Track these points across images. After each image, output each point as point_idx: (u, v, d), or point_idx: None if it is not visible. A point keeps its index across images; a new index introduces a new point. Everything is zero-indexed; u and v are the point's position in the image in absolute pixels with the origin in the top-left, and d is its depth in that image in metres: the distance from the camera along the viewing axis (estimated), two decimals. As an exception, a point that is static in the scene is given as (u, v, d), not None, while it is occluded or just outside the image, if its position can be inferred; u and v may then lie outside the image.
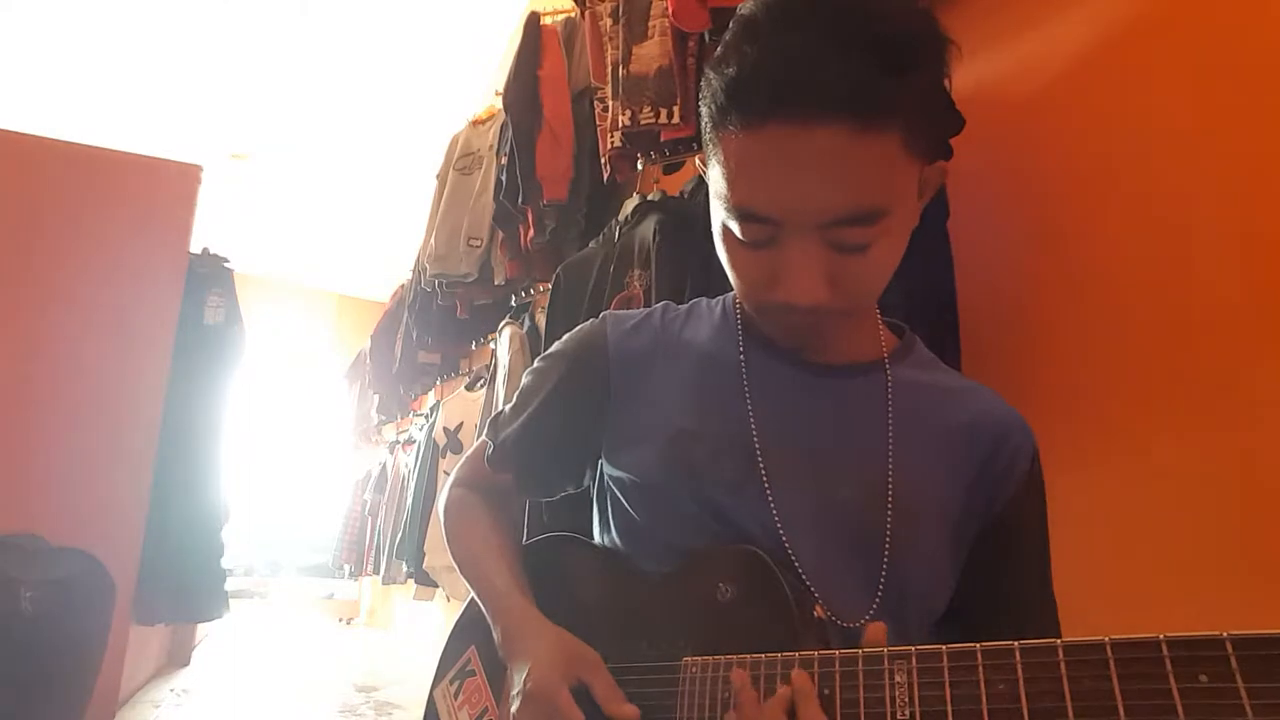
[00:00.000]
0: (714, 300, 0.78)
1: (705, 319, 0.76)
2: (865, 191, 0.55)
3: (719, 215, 0.62)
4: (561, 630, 0.67)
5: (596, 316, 0.79)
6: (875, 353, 0.71)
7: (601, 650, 0.66)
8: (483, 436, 0.84)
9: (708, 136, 0.61)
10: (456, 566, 0.80)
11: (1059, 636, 0.65)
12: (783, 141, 0.54)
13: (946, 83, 0.58)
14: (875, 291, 0.63)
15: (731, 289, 0.78)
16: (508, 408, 0.81)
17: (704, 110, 0.60)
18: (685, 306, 0.79)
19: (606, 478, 0.75)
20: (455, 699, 0.80)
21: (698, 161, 0.71)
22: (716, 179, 0.60)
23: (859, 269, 0.59)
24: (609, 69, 1.74)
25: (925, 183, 0.62)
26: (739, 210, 0.58)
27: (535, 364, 0.81)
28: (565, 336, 0.80)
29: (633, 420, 0.71)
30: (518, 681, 0.65)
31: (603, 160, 1.77)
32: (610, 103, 1.69)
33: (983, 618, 0.66)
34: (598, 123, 1.88)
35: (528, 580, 0.76)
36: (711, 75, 0.58)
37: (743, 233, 0.59)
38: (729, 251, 0.63)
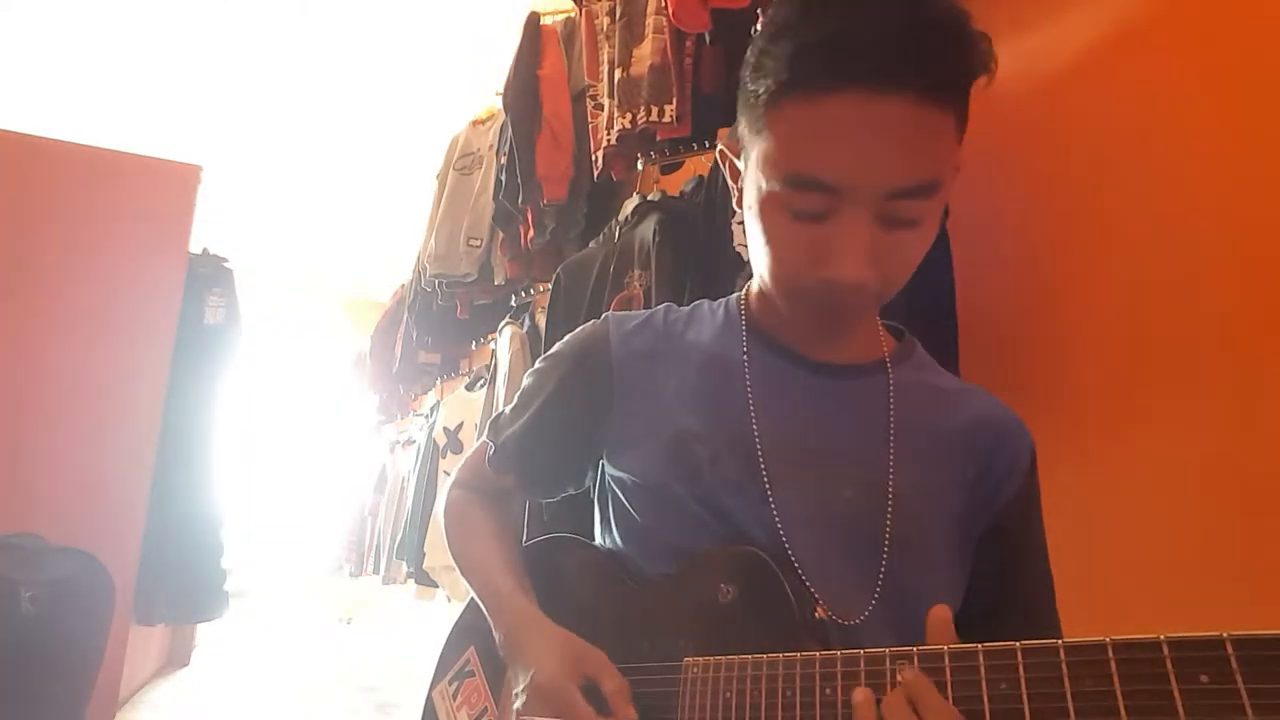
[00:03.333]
0: (716, 302, 0.78)
1: (707, 320, 0.76)
2: (927, 163, 0.56)
3: (762, 189, 0.60)
4: (565, 631, 0.67)
5: (597, 317, 0.79)
6: (876, 354, 0.72)
7: (603, 650, 0.66)
8: (483, 438, 0.84)
9: (757, 107, 0.59)
10: (457, 568, 0.80)
11: (1060, 634, 0.65)
12: (853, 110, 0.54)
13: (987, 77, 0.58)
14: (905, 278, 0.62)
15: (731, 289, 0.78)
16: (508, 409, 0.81)
17: (754, 80, 0.59)
18: (687, 308, 0.79)
19: (608, 478, 0.75)
20: (454, 699, 0.80)
21: (719, 150, 0.70)
22: (767, 151, 0.59)
23: (901, 249, 0.59)
24: (604, 68, 1.74)
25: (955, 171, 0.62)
26: (799, 178, 0.57)
27: (536, 365, 0.81)
28: (566, 337, 0.80)
29: (634, 421, 0.71)
30: (521, 679, 0.65)
31: (594, 157, 1.78)
32: (605, 101, 1.69)
33: (994, 620, 0.66)
34: (589, 120, 1.88)
35: (529, 581, 0.76)
36: (769, 44, 0.58)
37: (797, 203, 0.58)
38: (771, 228, 0.61)
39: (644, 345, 0.74)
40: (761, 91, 0.58)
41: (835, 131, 0.55)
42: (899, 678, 0.48)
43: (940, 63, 0.54)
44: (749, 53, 0.61)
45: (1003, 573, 0.67)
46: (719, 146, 0.70)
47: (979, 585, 0.67)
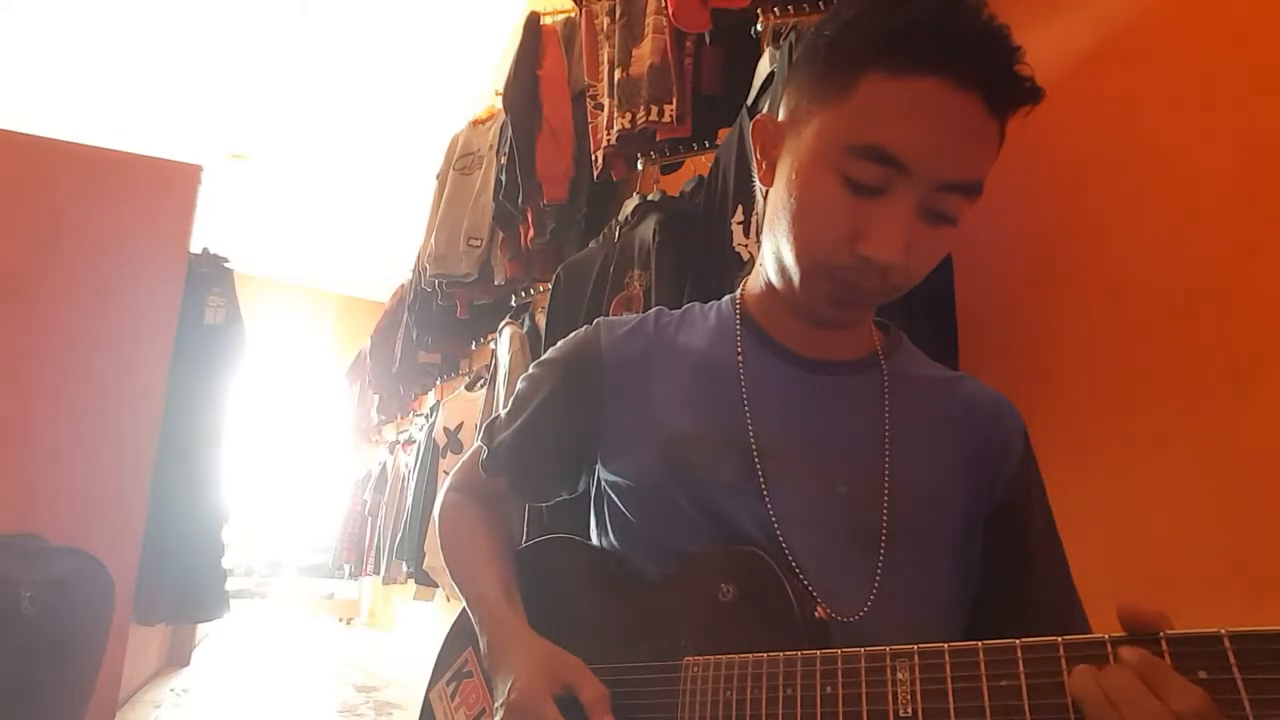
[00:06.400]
0: (707, 305, 0.79)
1: (699, 323, 0.76)
2: (979, 164, 0.59)
3: (820, 155, 0.61)
4: (545, 641, 0.67)
5: (595, 318, 0.80)
6: (868, 348, 0.72)
7: (602, 650, 0.66)
8: (478, 442, 0.84)
9: (836, 74, 0.60)
10: (449, 572, 0.81)
11: (1084, 617, 0.65)
12: (933, 95, 0.56)
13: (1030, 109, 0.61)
14: (918, 279, 0.64)
15: (731, 289, 0.78)
16: (503, 413, 0.82)
17: (838, 47, 0.60)
18: (678, 311, 0.79)
19: (603, 482, 0.75)
20: (452, 700, 0.80)
21: (755, 121, 0.70)
22: (840, 117, 0.60)
23: (931, 246, 0.61)
24: (604, 68, 1.75)
25: None
26: (869, 148, 0.58)
27: (529, 370, 0.81)
28: (559, 343, 0.80)
29: (627, 425, 0.72)
30: (500, 693, 0.65)
31: (594, 157, 1.78)
32: (605, 101, 1.70)
33: (1016, 598, 0.66)
34: (589, 120, 1.88)
35: (525, 583, 0.76)
36: (863, 16, 0.60)
37: (857, 173, 0.59)
38: (819, 196, 0.61)
39: (635, 350, 0.74)
40: (846, 59, 0.60)
41: (915, 111, 0.57)
42: (1121, 657, 0.42)
43: (1007, 77, 0.57)
44: (828, 23, 0.63)
45: (1016, 551, 0.67)
46: (758, 116, 0.70)
47: (994, 566, 0.67)
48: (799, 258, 0.64)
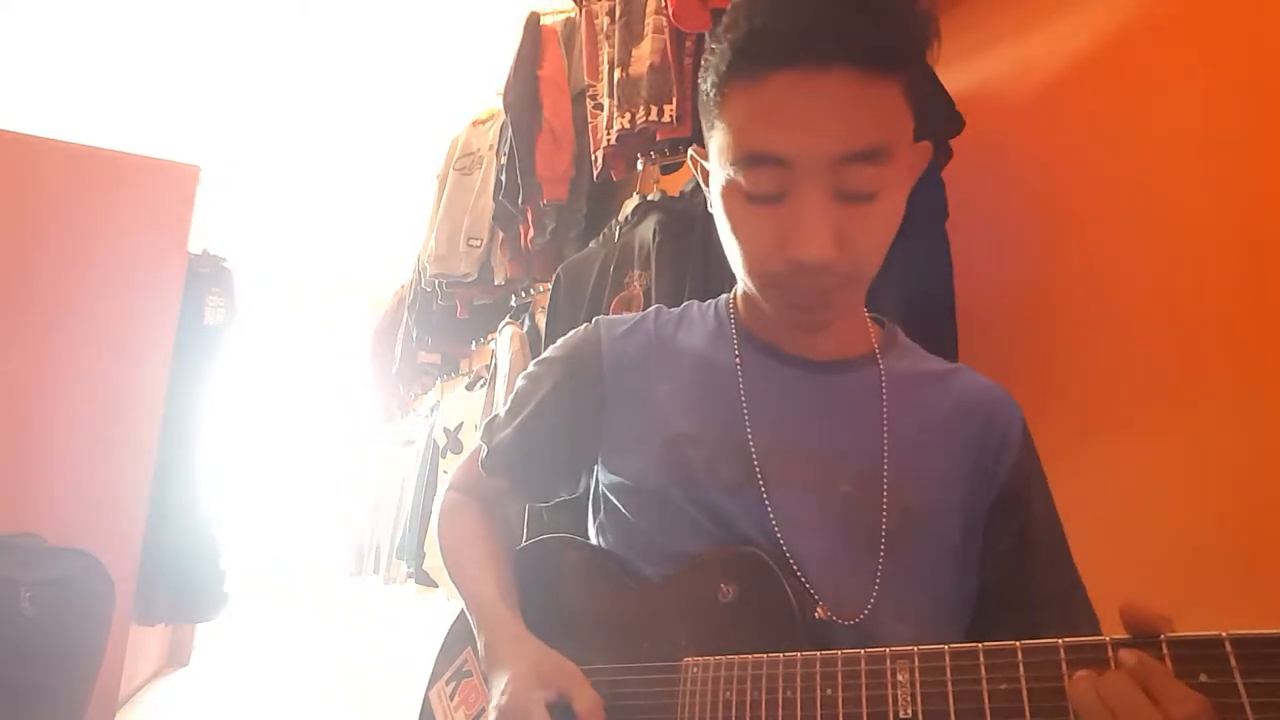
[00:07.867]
0: (705, 304, 0.78)
1: (698, 322, 0.76)
2: (871, 129, 0.57)
3: (722, 181, 0.62)
4: (542, 645, 0.67)
5: (593, 319, 0.79)
6: (865, 346, 0.72)
7: (601, 651, 0.66)
8: (478, 441, 0.84)
9: (711, 106, 0.61)
10: (447, 572, 0.81)
11: (1088, 604, 0.65)
12: (792, 86, 0.56)
13: (936, 45, 0.60)
14: (875, 259, 0.62)
15: (729, 289, 0.78)
16: (502, 412, 0.81)
17: (707, 81, 0.61)
18: (677, 310, 0.79)
19: (602, 483, 0.75)
20: (451, 699, 0.79)
21: (690, 156, 0.71)
22: (722, 141, 0.61)
23: (864, 225, 0.59)
24: (604, 68, 1.75)
25: (914, 159, 0.63)
26: (750, 156, 0.58)
27: (529, 369, 0.81)
28: (559, 342, 0.80)
29: (628, 425, 0.72)
30: (494, 695, 0.65)
31: (594, 157, 1.78)
32: (605, 101, 1.69)
33: (1020, 588, 0.66)
34: (589, 120, 1.88)
35: (523, 584, 0.76)
36: (713, 45, 0.61)
37: (751, 183, 0.59)
38: (735, 217, 0.62)
39: (635, 349, 0.74)
40: (709, 86, 0.61)
41: (776, 106, 0.57)
42: (1120, 661, 0.42)
43: (869, 38, 0.55)
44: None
45: (1018, 540, 0.67)
46: (689, 152, 0.71)
47: (997, 556, 0.67)
48: (748, 276, 0.65)
